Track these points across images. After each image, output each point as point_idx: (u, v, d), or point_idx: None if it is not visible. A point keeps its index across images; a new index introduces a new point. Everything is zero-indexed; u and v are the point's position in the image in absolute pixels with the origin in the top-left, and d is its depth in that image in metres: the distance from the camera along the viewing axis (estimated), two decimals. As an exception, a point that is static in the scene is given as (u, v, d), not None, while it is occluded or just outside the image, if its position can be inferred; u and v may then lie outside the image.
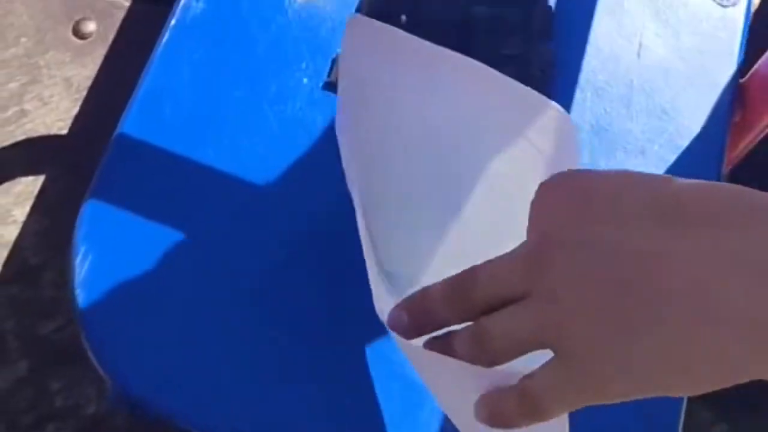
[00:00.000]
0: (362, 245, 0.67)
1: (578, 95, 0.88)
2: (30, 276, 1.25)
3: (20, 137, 1.28)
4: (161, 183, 0.81)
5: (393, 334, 0.57)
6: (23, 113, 1.29)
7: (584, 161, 0.86)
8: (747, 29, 0.94)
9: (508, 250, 0.51)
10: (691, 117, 0.89)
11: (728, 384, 0.46)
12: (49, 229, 1.24)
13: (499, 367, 0.51)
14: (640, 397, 0.48)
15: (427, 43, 0.74)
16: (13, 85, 1.31)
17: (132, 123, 0.82)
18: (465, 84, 0.72)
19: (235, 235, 0.79)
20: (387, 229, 0.73)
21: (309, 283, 0.77)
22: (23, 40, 1.33)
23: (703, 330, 0.44)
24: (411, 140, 0.74)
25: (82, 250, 0.79)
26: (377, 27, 0.73)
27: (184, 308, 0.77)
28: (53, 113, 1.30)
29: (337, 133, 0.72)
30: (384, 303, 0.62)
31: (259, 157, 0.81)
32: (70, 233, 0.86)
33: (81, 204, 0.78)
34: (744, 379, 0.45)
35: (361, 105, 0.72)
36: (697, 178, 0.48)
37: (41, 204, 1.25)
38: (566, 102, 0.88)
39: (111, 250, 0.79)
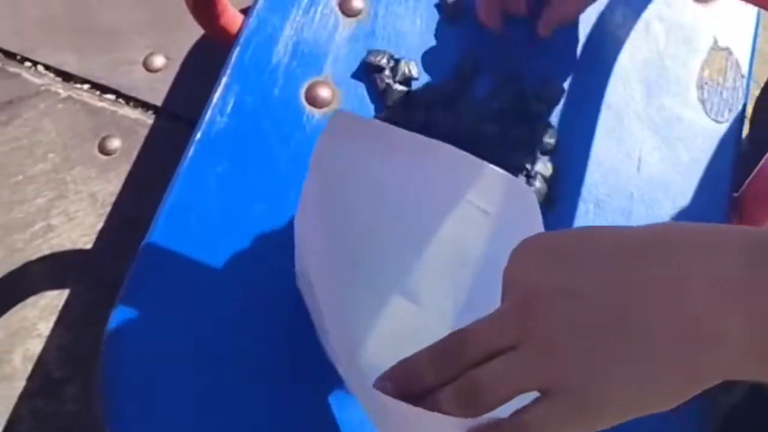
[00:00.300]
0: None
1: (581, 207, 0.93)
2: (53, 390, 1.28)
3: (46, 252, 1.33)
4: (187, 294, 0.86)
5: (376, 398, 0.59)
6: (50, 228, 1.34)
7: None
8: (740, 144, 0.99)
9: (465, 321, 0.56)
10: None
11: (700, 390, 0.50)
12: (72, 343, 1.28)
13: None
14: (628, 419, 0.52)
15: (402, 130, 0.79)
16: (40, 201, 1.36)
17: (159, 234, 0.87)
18: (426, 161, 0.76)
19: (261, 347, 0.83)
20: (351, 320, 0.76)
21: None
22: (51, 156, 1.39)
23: (684, 350, 0.49)
24: (382, 223, 0.77)
25: (108, 360, 0.83)
26: (357, 119, 0.77)
27: (216, 420, 0.81)
28: (79, 228, 1.35)
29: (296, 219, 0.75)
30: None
31: (282, 269, 0.85)
32: (93, 348, 0.90)
33: (105, 318, 0.82)
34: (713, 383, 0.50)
35: (332, 192, 0.76)
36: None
37: (65, 318, 1.29)
38: (569, 213, 0.92)
39: (138, 361, 0.83)
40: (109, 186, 1.37)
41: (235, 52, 0.95)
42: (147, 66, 1.48)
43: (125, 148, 1.41)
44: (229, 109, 0.92)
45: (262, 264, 0.87)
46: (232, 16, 1.13)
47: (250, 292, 0.86)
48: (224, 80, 0.93)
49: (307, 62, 0.94)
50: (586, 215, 0.92)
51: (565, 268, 0.52)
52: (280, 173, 0.90)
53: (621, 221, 0.92)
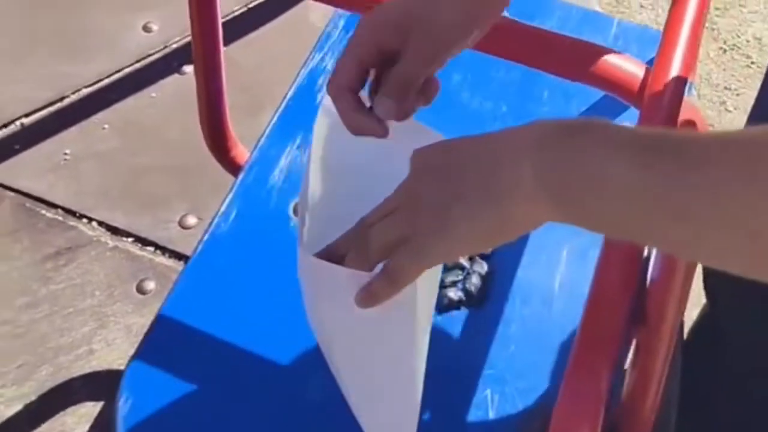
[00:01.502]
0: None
1: (510, 300, 1.13)
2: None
3: (87, 371, 1.55)
4: (198, 360, 1.08)
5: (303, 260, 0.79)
6: (91, 351, 1.58)
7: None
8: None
9: None
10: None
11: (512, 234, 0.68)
12: (105, 448, 1.49)
13: None
14: (457, 251, 0.71)
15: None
16: (85, 329, 1.60)
17: (172, 306, 1.11)
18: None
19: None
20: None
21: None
22: (97, 293, 1.64)
23: (490, 195, 0.68)
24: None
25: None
26: None
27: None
28: (115, 353, 1.58)
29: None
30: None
31: (290, 368, 1.05)
32: None
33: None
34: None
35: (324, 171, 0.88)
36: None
37: (99, 424, 1.50)
38: (500, 305, 1.13)
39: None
40: (143, 319, 1.61)
41: (241, 176, 1.22)
42: (182, 224, 1.75)
43: (158, 289, 1.65)
44: (233, 216, 1.18)
45: (262, 358, 1.07)
46: (240, 151, 1.41)
47: (257, 361, 1.07)
48: (230, 196, 1.20)
49: (296, 184, 1.18)
50: (513, 308, 1.11)
51: (433, 168, 0.73)
52: (273, 263, 1.13)
53: (543, 313, 1.13)
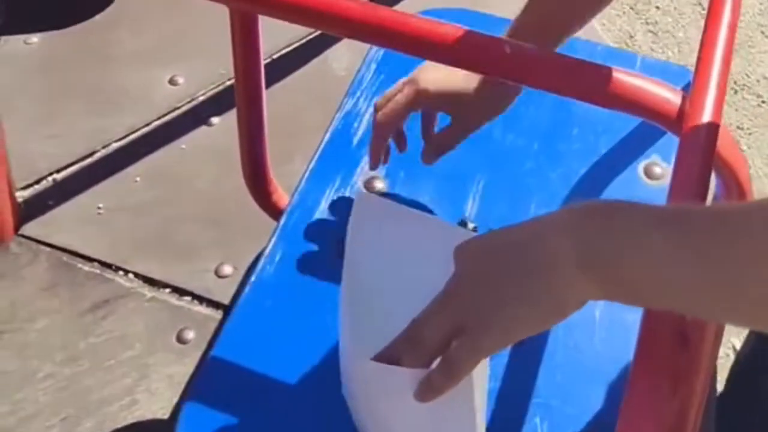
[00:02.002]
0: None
1: (552, 332, 1.15)
2: None
3: (131, 421, 1.56)
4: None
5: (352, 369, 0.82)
6: (134, 402, 1.58)
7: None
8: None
9: None
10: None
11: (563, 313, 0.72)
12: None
13: None
14: (514, 339, 0.75)
15: (421, 214, 0.97)
16: (127, 381, 1.61)
17: (222, 348, 1.12)
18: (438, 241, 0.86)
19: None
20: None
21: None
22: (137, 344, 1.65)
23: (534, 280, 0.72)
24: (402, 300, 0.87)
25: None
26: (381, 202, 0.95)
27: None
28: (158, 402, 1.58)
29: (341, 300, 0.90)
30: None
31: (340, 417, 1.01)
32: None
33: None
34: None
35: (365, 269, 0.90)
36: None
37: (145, 474, 1.52)
38: (542, 337, 1.15)
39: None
40: (184, 368, 1.62)
41: (283, 220, 1.23)
42: (218, 273, 1.77)
43: (198, 338, 1.66)
44: (277, 259, 1.19)
45: (301, 401, 1.08)
46: (280, 195, 1.43)
47: (308, 409, 1.07)
48: (273, 239, 1.21)
49: (338, 226, 1.21)
50: (556, 337, 1.12)
51: (478, 263, 0.77)
52: (320, 306, 1.15)
53: (586, 342, 1.12)
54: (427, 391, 0.78)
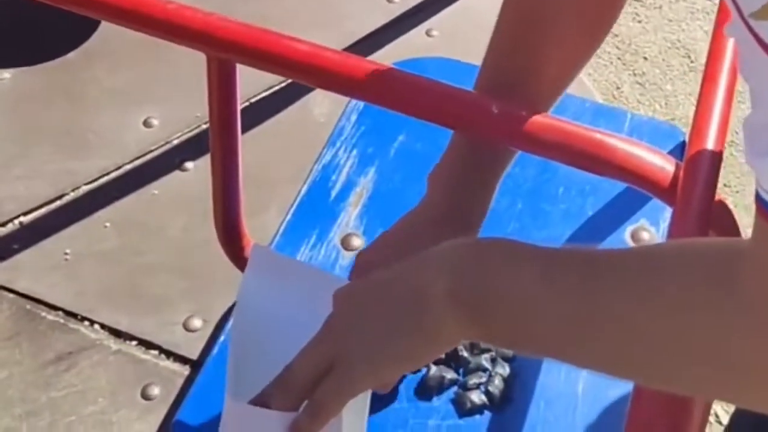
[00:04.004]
0: None
1: (533, 403, 1.10)
2: None
3: (92, 482, 1.51)
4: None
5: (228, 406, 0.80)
6: (95, 460, 1.53)
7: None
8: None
9: None
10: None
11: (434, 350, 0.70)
12: None
13: None
14: (381, 374, 0.72)
15: (315, 268, 0.96)
16: (88, 439, 1.56)
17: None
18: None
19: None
20: None
21: None
22: (100, 400, 1.58)
23: (404, 315, 0.70)
24: None
25: None
26: (275, 256, 0.95)
27: None
28: (120, 461, 1.54)
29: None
30: None
31: None
32: None
33: None
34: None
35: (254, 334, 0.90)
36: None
37: None
38: (524, 408, 1.10)
39: None
40: (148, 427, 1.55)
41: (241, 285, 1.18)
42: (186, 326, 1.70)
43: (164, 395, 1.60)
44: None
45: None
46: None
47: None
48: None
49: None
50: (537, 411, 1.10)
51: (353, 300, 0.75)
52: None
53: (568, 417, 1.10)
54: None
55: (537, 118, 0.95)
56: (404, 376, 1.09)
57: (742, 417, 1.29)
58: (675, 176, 0.90)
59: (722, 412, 1.74)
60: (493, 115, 0.95)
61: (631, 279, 0.61)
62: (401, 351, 0.71)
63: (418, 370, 1.10)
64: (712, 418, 1.73)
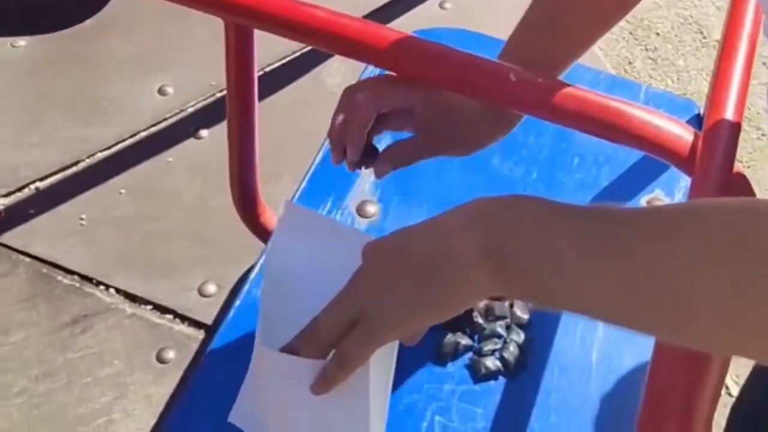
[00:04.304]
0: None
1: (548, 369, 1.11)
2: None
3: (107, 442, 1.53)
4: None
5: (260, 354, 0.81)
6: (110, 422, 1.54)
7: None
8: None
9: None
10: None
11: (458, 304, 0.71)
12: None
13: None
14: (407, 328, 0.73)
15: (344, 225, 0.97)
16: (104, 399, 1.56)
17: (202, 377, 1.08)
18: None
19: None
20: None
21: None
22: (116, 362, 1.60)
23: (432, 270, 0.70)
24: None
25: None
26: (306, 212, 0.94)
27: None
28: (135, 423, 1.54)
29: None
30: None
31: None
32: None
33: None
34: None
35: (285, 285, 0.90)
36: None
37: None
38: (539, 374, 1.11)
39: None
40: (163, 389, 1.57)
41: (272, 240, 1.19)
42: (201, 292, 1.72)
43: (178, 358, 1.62)
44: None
45: None
46: (269, 216, 1.39)
47: None
48: (261, 261, 1.17)
49: None
50: (552, 378, 1.11)
51: (381, 254, 0.76)
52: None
53: (582, 385, 1.11)
54: (319, 382, 0.78)
55: (555, 86, 0.96)
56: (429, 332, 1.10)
57: (752, 389, 1.30)
58: (693, 146, 0.90)
59: (732, 383, 1.75)
60: (511, 83, 0.95)
61: (655, 240, 0.62)
62: (427, 303, 0.72)
63: (435, 337, 1.11)
64: (722, 391, 1.74)
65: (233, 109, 1.27)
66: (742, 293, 0.57)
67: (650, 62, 2.41)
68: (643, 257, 0.61)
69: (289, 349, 0.80)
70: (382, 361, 0.83)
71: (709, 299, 0.59)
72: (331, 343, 0.77)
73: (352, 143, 0.98)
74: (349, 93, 0.98)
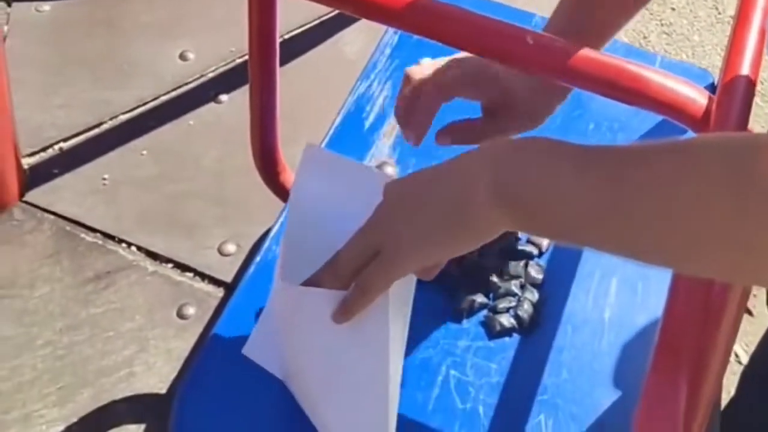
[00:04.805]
0: None
1: (560, 328, 1.13)
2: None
3: (128, 393, 1.55)
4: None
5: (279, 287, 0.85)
6: (132, 374, 1.58)
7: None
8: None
9: None
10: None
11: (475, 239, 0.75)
12: (144, 467, 1.50)
13: None
14: (425, 259, 0.77)
15: (365, 165, 1.00)
16: (126, 352, 1.60)
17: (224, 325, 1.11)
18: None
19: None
20: None
21: None
22: (137, 317, 1.64)
23: (451, 205, 0.74)
24: None
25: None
26: (327, 153, 0.99)
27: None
28: (156, 376, 1.58)
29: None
30: None
31: None
32: None
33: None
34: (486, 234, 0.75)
35: (307, 227, 0.94)
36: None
37: (141, 444, 1.51)
38: (551, 333, 1.14)
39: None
40: (184, 344, 1.61)
41: (294, 182, 1.22)
42: (221, 251, 1.76)
43: (199, 314, 1.66)
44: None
45: None
46: (289, 175, 1.42)
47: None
48: (281, 219, 1.20)
49: None
50: (564, 335, 1.13)
51: (401, 191, 0.80)
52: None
53: (594, 343, 1.13)
54: (341, 310, 0.82)
55: (572, 49, 0.98)
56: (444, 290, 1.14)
57: (763, 356, 1.33)
58: (708, 109, 0.93)
59: (742, 352, 1.78)
60: (528, 46, 0.98)
61: (658, 169, 0.65)
62: (445, 238, 0.76)
63: (450, 294, 1.14)
64: (732, 358, 1.77)
65: (255, 68, 1.29)
66: (742, 215, 0.60)
67: (665, 37, 2.43)
68: (646, 188, 0.65)
69: (311, 282, 0.85)
70: (400, 294, 0.85)
71: (713, 224, 0.62)
72: (352, 275, 0.81)
73: (417, 130, 1.07)
74: (417, 84, 1.06)
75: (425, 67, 1.07)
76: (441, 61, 1.08)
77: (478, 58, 1.06)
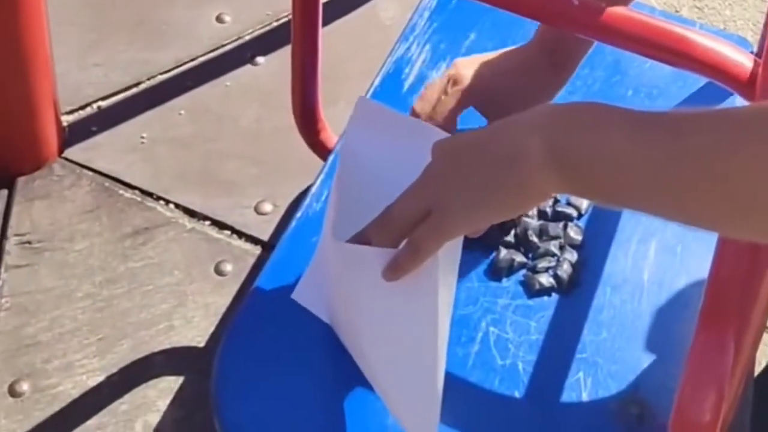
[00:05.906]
0: None
1: (599, 289, 1.14)
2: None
3: (167, 346, 1.58)
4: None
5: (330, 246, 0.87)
6: (171, 328, 1.61)
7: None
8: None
9: None
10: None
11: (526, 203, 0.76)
12: (184, 419, 1.52)
13: None
14: (477, 222, 0.79)
15: (417, 120, 1.01)
16: (165, 306, 1.63)
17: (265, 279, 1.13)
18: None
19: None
20: None
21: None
22: (176, 272, 1.67)
23: (502, 168, 0.75)
24: None
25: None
26: (379, 107, 0.99)
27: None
28: (194, 330, 1.61)
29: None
30: None
31: None
32: (202, 423, 1.10)
33: (211, 401, 1.07)
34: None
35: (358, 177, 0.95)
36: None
37: (179, 398, 1.54)
38: (590, 292, 1.15)
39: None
40: (221, 300, 1.64)
41: (331, 158, 1.24)
42: (257, 210, 1.78)
43: (236, 271, 1.68)
44: (323, 197, 1.20)
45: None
46: (329, 135, 1.44)
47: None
48: (321, 177, 1.22)
49: None
50: (603, 296, 1.14)
51: (453, 151, 0.81)
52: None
53: (633, 303, 1.15)
54: (392, 269, 0.83)
55: (617, 11, 1.00)
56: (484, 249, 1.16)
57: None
58: (754, 72, 0.94)
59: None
60: (573, 6, 0.99)
61: (715, 135, 0.66)
62: (496, 201, 0.77)
63: (490, 254, 1.16)
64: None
65: (297, 33, 1.31)
66: None
67: (696, 11, 2.42)
68: (703, 152, 0.66)
69: (360, 238, 0.86)
70: (449, 253, 0.86)
71: (759, 199, 0.63)
72: (403, 233, 0.82)
73: None
74: (436, 107, 1.12)
75: (426, 103, 1.13)
76: (442, 85, 1.14)
77: (478, 81, 1.12)
